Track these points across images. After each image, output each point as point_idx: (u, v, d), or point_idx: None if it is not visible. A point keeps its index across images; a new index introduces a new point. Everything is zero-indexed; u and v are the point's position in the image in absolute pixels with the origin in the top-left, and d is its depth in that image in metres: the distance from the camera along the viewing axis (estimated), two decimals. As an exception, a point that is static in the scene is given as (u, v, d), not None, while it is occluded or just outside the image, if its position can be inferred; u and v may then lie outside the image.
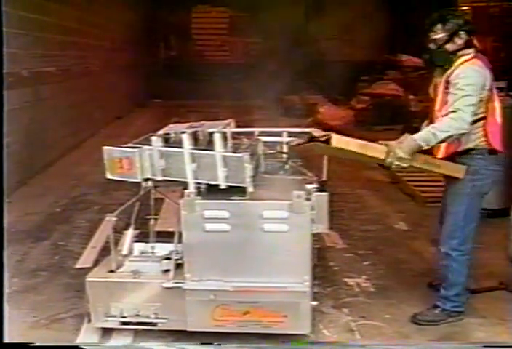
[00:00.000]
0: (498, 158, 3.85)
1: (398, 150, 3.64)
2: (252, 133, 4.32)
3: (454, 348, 3.75)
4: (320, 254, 4.66)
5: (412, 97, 13.29)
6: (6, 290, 3.47)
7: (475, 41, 3.84)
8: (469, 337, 3.81)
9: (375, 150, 3.71)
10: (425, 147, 3.68)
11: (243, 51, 22.90)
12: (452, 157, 3.82)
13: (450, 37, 3.78)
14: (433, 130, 3.63)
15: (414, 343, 3.74)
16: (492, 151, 3.79)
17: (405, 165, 3.68)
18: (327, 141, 3.64)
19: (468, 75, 3.67)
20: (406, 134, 3.71)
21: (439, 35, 3.80)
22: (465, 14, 4.16)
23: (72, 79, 10.69)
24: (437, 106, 3.84)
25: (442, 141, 3.67)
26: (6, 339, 3.31)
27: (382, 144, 3.74)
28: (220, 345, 3.58)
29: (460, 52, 3.79)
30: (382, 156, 3.69)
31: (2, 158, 3.62)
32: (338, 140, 3.63)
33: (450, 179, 3.89)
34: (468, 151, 3.78)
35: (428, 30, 3.83)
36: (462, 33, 3.78)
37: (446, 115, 3.64)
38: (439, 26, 3.79)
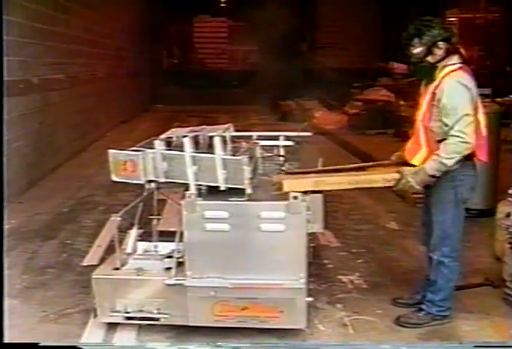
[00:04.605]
0: (472, 164, 3.71)
1: (411, 179, 3.55)
2: (250, 137, 4.32)
3: (444, 348, 3.72)
4: (315, 252, 4.65)
5: (402, 102, 13.27)
6: (6, 290, 3.46)
7: (461, 49, 3.70)
8: (456, 331, 3.80)
9: (371, 181, 3.64)
10: (438, 175, 3.57)
11: (241, 59, 22.93)
12: None
13: (428, 50, 3.63)
14: (441, 159, 3.51)
15: (405, 342, 3.69)
16: (469, 157, 3.64)
17: (412, 191, 3.62)
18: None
19: (458, 94, 3.53)
20: (422, 166, 3.58)
21: (417, 49, 3.65)
22: (442, 22, 3.96)
23: (79, 86, 10.69)
24: (420, 116, 3.70)
25: (452, 165, 3.54)
26: (6, 339, 3.28)
27: (395, 171, 3.62)
28: (220, 345, 3.56)
29: (443, 62, 3.64)
30: (379, 185, 3.63)
31: (2, 161, 3.60)
32: (290, 185, 3.56)
33: (432, 188, 3.73)
34: None
35: (406, 44, 3.69)
36: (440, 43, 3.62)
37: (451, 137, 3.50)
38: (416, 40, 3.63)
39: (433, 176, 3.58)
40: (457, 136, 3.49)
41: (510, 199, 4.53)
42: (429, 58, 3.67)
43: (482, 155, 3.70)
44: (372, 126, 12.56)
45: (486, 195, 5.83)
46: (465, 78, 3.59)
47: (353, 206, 6.93)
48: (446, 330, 3.81)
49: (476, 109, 3.61)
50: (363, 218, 6.44)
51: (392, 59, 16.96)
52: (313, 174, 3.80)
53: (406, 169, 3.62)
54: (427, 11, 16.71)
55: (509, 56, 14.69)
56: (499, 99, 8.00)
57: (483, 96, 3.81)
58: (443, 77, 3.60)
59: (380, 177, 3.65)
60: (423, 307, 3.88)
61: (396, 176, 3.60)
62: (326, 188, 3.66)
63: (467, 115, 3.51)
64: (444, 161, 3.52)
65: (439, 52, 3.64)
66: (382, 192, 7.47)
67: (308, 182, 3.62)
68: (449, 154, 3.51)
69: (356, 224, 6.21)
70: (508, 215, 4.45)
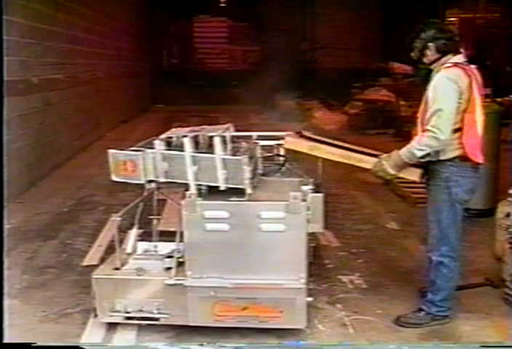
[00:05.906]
0: (471, 165, 3.69)
1: (386, 162, 3.68)
2: (250, 137, 4.31)
3: (450, 348, 3.72)
4: (315, 252, 4.65)
5: (402, 102, 13.29)
6: (6, 290, 3.46)
7: (461, 49, 3.73)
8: (456, 331, 3.80)
9: (361, 160, 3.80)
10: (410, 162, 3.67)
11: (241, 59, 22.91)
12: (426, 164, 3.73)
13: (421, 52, 3.74)
14: (412, 149, 3.60)
15: (410, 343, 3.68)
16: (464, 158, 3.64)
17: (389, 177, 3.78)
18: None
19: (440, 86, 3.58)
20: (396, 150, 3.72)
21: (413, 52, 3.79)
22: (440, 23, 4.08)
23: (79, 86, 10.69)
24: (420, 113, 3.74)
25: (422, 157, 3.63)
26: (6, 339, 3.28)
27: (374, 155, 3.77)
28: (220, 345, 3.56)
29: (439, 63, 3.69)
30: (367, 166, 3.76)
31: (2, 161, 3.59)
32: (289, 142, 3.92)
33: (429, 188, 3.78)
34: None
35: (409, 47, 3.80)
36: (430, 44, 3.68)
37: (426, 131, 3.56)
38: (413, 43, 3.76)
39: (405, 162, 3.67)
40: (431, 131, 3.55)
41: (510, 199, 4.53)
42: (424, 60, 3.78)
43: (474, 155, 3.65)
44: (372, 126, 12.56)
45: (486, 195, 5.83)
46: (455, 74, 3.60)
47: (353, 206, 6.93)
48: (446, 330, 3.81)
49: (470, 106, 3.60)
50: (363, 218, 6.44)
51: (392, 59, 16.97)
52: (315, 141, 3.98)
53: (384, 155, 3.78)
54: (427, 11, 16.74)
55: (509, 56, 14.69)
56: (499, 99, 7.99)
57: (483, 96, 3.80)
58: (435, 75, 3.67)
59: (371, 160, 3.78)
60: (423, 307, 3.88)
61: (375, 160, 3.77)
62: (319, 155, 3.88)
63: (440, 110, 3.53)
64: (414, 151, 3.61)
65: (430, 53, 3.72)
66: (383, 192, 7.51)
67: (305, 145, 3.86)
68: (421, 146, 3.60)
69: (356, 224, 6.21)
70: (507, 215, 4.44)
